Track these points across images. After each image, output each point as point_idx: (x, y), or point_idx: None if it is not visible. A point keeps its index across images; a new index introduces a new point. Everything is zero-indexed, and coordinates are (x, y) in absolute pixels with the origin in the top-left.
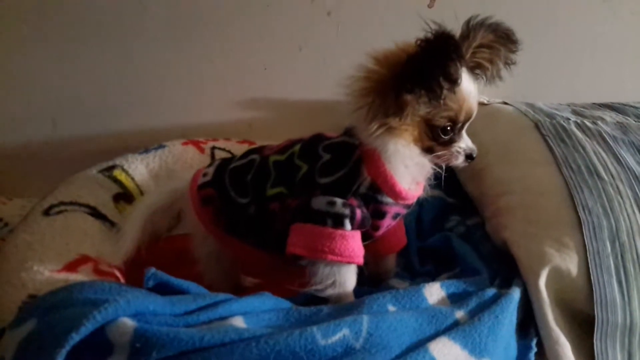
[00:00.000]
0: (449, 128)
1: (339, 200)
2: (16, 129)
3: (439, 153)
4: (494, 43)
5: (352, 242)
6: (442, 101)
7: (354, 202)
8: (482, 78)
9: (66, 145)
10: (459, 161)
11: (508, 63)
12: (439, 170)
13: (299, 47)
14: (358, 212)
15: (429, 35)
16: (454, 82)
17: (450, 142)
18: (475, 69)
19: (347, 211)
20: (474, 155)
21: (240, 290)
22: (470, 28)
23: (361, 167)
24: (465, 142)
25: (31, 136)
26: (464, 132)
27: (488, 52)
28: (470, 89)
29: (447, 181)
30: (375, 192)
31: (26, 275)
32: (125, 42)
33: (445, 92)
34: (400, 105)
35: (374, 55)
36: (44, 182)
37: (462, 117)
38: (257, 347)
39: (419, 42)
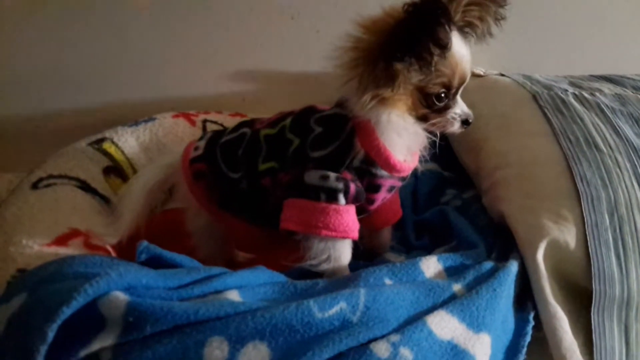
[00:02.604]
0: (443, 94)
1: (332, 174)
2: (3, 102)
3: (434, 121)
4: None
5: (347, 217)
6: (433, 68)
7: (348, 175)
8: (472, 36)
9: (54, 119)
10: (455, 127)
11: (498, 18)
12: (433, 138)
13: (291, 17)
14: (352, 186)
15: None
16: (444, 47)
17: (445, 109)
18: (465, 27)
19: (340, 185)
20: (470, 120)
21: (234, 265)
22: None
23: (354, 140)
24: (460, 108)
25: (18, 109)
26: (458, 97)
27: (477, 9)
28: (462, 52)
29: (443, 154)
30: (369, 165)
31: (15, 250)
32: (115, 14)
33: (435, 58)
34: (391, 75)
35: (361, 22)
36: (31, 155)
37: (456, 82)
38: (253, 320)
39: (405, 6)
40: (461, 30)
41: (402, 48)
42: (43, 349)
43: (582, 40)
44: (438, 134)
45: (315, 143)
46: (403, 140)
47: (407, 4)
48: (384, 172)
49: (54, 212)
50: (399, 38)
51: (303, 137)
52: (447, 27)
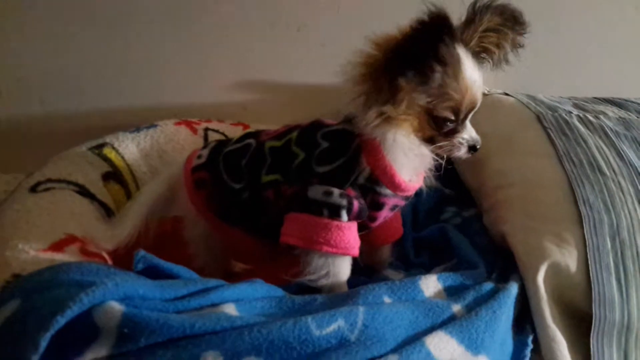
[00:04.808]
0: (451, 118)
1: (336, 191)
2: (3, 104)
3: (441, 144)
4: (501, 26)
5: (348, 234)
6: (436, 87)
7: (352, 192)
8: (489, 62)
9: (54, 122)
10: (462, 152)
11: (516, 46)
12: (440, 160)
13: (297, 28)
14: (355, 203)
15: (424, 16)
16: (445, 64)
17: (452, 133)
18: (482, 53)
19: (344, 202)
20: (478, 147)
21: (230, 276)
22: (476, 11)
23: (360, 157)
24: (468, 133)
25: (18, 112)
26: (467, 122)
27: (495, 35)
28: (474, 77)
29: (444, 172)
30: (374, 183)
31: (10, 254)
32: (119, 20)
33: (437, 75)
34: (394, 91)
35: (373, 39)
36: (30, 158)
37: (465, 107)
38: (250, 336)
39: (413, 23)
40: (477, 55)
41: (405, 62)
42: (35, 358)
43: (587, 62)
44: (444, 157)
45: (321, 158)
46: (409, 160)
47: (415, 20)
48: (388, 191)
49: (52, 216)
50: (402, 52)
51: (309, 151)
52: (449, 45)
